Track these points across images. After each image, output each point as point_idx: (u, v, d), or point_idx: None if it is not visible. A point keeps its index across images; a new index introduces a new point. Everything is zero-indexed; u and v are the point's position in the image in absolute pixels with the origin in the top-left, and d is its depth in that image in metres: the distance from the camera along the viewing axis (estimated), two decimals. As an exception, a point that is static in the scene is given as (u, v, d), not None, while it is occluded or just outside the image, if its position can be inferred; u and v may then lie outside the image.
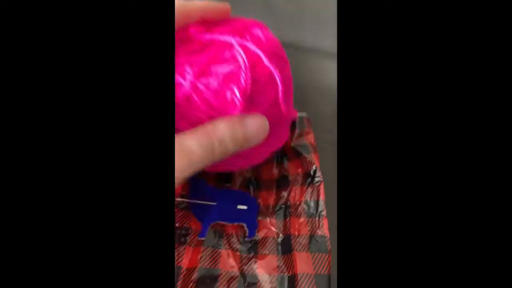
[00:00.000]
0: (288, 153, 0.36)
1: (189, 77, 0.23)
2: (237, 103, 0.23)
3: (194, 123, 0.22)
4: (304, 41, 0.54)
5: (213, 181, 0.34)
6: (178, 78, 0.23)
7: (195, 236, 0.30)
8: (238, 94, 0.23)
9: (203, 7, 0.25)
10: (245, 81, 0.23)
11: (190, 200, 0.31)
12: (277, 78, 0.25)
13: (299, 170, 0.34)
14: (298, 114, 0.38)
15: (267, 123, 0.24)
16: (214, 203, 0.30)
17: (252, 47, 0.24)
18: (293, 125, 0.37)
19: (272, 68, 0.24)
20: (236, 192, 0.32)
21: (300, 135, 0.36)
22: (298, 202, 0.32)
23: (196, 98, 0.23)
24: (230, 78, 0.23)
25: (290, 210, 0.32)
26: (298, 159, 0.35)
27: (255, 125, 0.23)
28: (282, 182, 0.34)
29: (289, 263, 0.29)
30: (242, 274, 0.28)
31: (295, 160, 0.35)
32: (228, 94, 0.23)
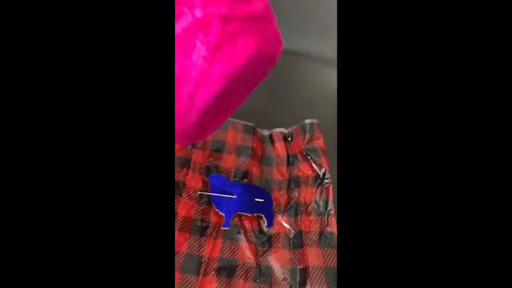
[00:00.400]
0: (299, 157, 0.39)
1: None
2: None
3: None
4: (312, 51, 0.57)
5: (232, 177, 0.36)
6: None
7: (214, 229, 0.32)
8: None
9: None
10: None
11: (210, 194, 0.33)
12: None
13: (310, 172, 0.37)
14: (309, 121, 0.41)
15: None
16: (234, 196, 0.33)
17: None
18: (303, 130, 0.40)
19: None
20: (252, 186, 0.35)
21: (311, 139, 0.39)
22: (308, 202, 0.35)
23: None
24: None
25: (301, 208, 0.35)
26: (308, 163, 0.37)
27: None
28: (293, 183, 0.37)
29: (301, 257, 0.31)
30: (258, 265, 0.31)
31: (305, 163, 0.38)
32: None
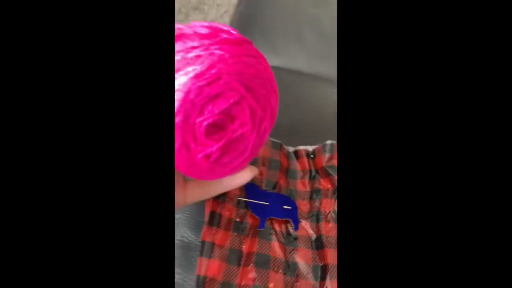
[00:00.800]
0: (320, 172, 0.45)
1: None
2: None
3: None
4: (331, 75, 0.64)
5: (263, 186, 0.43)
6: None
7: (251, 229, 0.39)
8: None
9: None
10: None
11: (247, 200, 0.40)
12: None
13: (329, 186, 0.44)
14: (328, 142, 0.48)
15: (255, 172, 0.37)
16: (267, 203, 0.40)
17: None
18: (324, 150, 0.47)
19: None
20: (281, 196, 0.42)
21: (330, 158, 0.46)
22: (327, 211, 0.42)
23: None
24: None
25: (322, 216, 0.41)
26: (328, 178, 0.44)
27: (244, 177, 0.36)
28: (315, 194, 0.44)
29: (322, 256, 0.38)
30: (286, 261, 0.37)
31: (326, 178, 0.45)
32: None
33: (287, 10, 0.75)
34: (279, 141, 0.48)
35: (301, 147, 0.48)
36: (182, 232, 0.41)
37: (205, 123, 0.28)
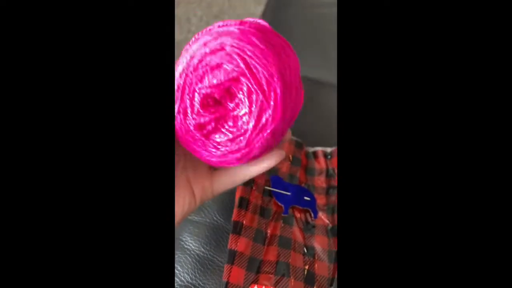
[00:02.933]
0: (336, 171, 0.51)
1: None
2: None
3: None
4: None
5: (286, 179, 0.48)
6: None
7: (275, 215, 0.44)
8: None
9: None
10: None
11: (272, 189, 0.45)
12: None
13: (344, 183, 0.49)
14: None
15: (282, 154, 0.36)
16: (289, 193, 0.45)
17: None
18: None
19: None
20: (302, 188, 0.47)
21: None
22: (342, 205, 0.47)
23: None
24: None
25: (337, 209, 0.46)
26: (344, 176, 0.50)
27: (270, 161, 0.35)
28: (331, 190, 0.49)
29: (336, 243, 0.43)
30: (306, 245, 0.42)
31: (342, 176, 0.50)
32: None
33: (310, 24, 0.80)
34: (301, 141, 0.53)
35: (319, 148, 0.54)
36: (211, 216, 0.47)
37: (203, 91, 0.27)
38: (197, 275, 0.41)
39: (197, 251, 0.43)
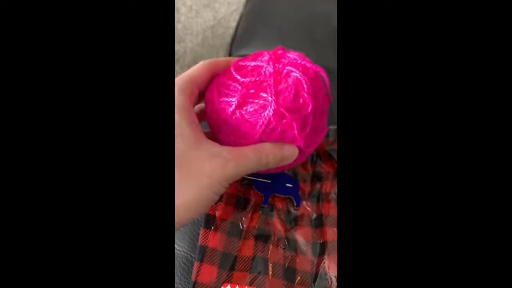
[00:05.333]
0: (322, 156, 0.46)
1: (234, 102, 0.32)
2: (259, 130, 0.31)
3: (225, 140, 0.33)
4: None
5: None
6: (227, 98, 0.32)
7: (253, 205, 0.40)
8: (260, 125, 0.31)
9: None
10: (269, 116, 0.31)
11: (251, 178, 0.41)
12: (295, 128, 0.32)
13: (330, 170, 0.45)
14: (331, 127, 0.49)
15: (297, 151, 0.34)
16: (269, 181, 0.41)
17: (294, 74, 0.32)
18: (327, 135, 0.48)
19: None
20: (283, 174, 0.43)
21: (333, 143, 0.47)
22: (329, 192, 0.42)
23: (233, 122, 0.32)
24: (260, 111, 0.31)
25: (323, 197, 0.42)
26: (330, 161, 0.45)
27: (290, 151, 0.33)
28: (316, 178, 0.45)
29: (321, 234, 0.39)
30: (287, 238, 0.38)
31: (327, 161, 0.45)
32: (257, 123, 0.31)
33: (297, 5, 0.76)
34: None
35: (305, 133, 0.49)
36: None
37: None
38: (177, 274, 0.38)
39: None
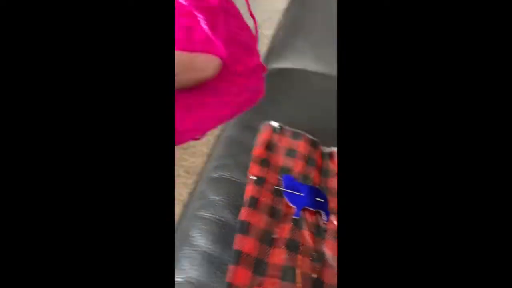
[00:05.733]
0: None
1: None
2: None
3: None
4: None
5: (300, 179, 0.46)
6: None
7: (285, 216, 0.42)
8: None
9: None
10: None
11: (283, 190, 0.44)
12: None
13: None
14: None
15: (216, 62, 0.29)
16: (302, 194, 0.43)
17: None
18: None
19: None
20: (314, 188, 0.45)
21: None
22: (356, 210, 0.45)
23: None
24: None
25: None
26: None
27: (203, 59, 0.28)
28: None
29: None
30: (315, 249, 0.41)
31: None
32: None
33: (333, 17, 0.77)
34: (317, 140, 0.51)
35: (335, 149, 0.51)
36: (220, 213, 0.45)
37: None
38: (204, 272, 0.40)
39: (204, 248, 0.42)
